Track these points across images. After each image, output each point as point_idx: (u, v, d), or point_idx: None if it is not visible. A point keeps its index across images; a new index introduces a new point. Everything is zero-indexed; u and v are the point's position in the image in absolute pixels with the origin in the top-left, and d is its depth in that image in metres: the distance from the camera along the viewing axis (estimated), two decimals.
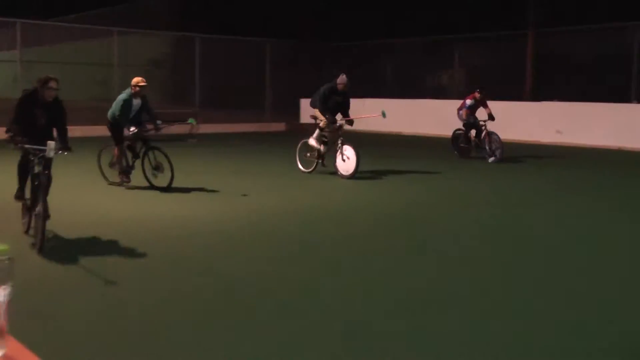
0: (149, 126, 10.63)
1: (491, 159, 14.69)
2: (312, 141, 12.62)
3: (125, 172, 10.84)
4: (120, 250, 6.84)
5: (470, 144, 15.44)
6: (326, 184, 11.75)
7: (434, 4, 26.55)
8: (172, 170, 10.30)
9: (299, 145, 13.08)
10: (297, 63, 26.31)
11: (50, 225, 7.01)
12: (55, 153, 6.85)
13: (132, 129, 10.43)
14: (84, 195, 10.25)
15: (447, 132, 21.08)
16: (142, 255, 6.67)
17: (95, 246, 7.03)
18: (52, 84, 7.25)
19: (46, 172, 6.97)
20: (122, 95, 10.56)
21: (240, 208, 9.31)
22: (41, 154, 6.88)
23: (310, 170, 12.74)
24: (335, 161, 12.38)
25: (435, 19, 25.80)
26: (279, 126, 25.21)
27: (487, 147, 14.86)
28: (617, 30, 19.58)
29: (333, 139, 12.44)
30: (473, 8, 25.32)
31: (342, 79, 12.63)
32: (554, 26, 20.65)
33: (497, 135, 14.83)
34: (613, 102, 18.42)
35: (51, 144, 6.78)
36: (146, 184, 10.62)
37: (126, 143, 10.79)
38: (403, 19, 27.46)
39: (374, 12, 28.55)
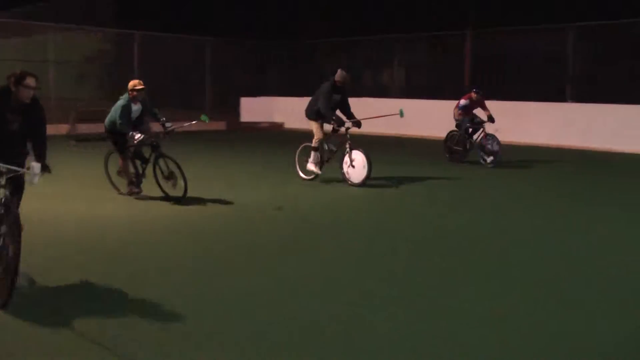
0: (151, 126, 9.77)
1: (490, 160, 13.84)
2: (310, 167, 11.60)
3: (135, 182, 9.95)
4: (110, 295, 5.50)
5: (465, 147, 14.45)
6: (332, 192, 10.98)
7: (374, 2, 26.68)
8: (184, 180, 9.41)
9: (299, 149, 12.12)
10: (237, 62, 26.10)
11: (25, 258, 5.59)
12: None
13: (137, 136, 9.38)
14: (67, 205, 9.44)
15: (389, 131, 21.24)
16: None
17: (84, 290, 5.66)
18: (30, 82, 5.72)
19: (16, 197, 5.55)
20: (120, 102, 9.60)
21: (277, 226, 8.69)
22: (11, 175, 5.41)
23: (312, 177, 11.79)
24: (341, 167, 11.55)
25: (375, 17, 25.92)
26: (220, 125, 24.96)
27: (486, 150, 13.92)
28: (553, 31, 20.00)
29: (340, 142, 11.55)
30: (413, 7, 25.52)
31: (340, 74, 11.55)
32: (493, 26, 20.97)
33: (496, 138, 13.93)
34: (550, 102, 18.85)
35: (36, 166, 5.35)
36: (160, 193, 9.79)
37: (131, 150, 9.80)
38: (343, 17, 27.51)
39: (314, 12, 28.52)
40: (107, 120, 9.81)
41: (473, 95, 14.31)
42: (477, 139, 14.29)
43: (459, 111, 14.27)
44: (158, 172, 9.69)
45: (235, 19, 28.56)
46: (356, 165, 11.29)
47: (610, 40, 18.67)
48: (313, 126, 11.69)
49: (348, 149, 11.36)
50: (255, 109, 25.50)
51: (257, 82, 26.24)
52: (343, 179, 11.47)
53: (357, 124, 11.47)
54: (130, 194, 9.93)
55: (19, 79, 5.68)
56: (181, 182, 9.41)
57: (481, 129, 14.15)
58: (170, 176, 9.52)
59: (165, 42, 24.37)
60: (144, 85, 9.67)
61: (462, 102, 14.30)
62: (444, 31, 22.11)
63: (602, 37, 18.90)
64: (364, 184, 11.17)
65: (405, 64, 24.50)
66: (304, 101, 12.31)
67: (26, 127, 5.83)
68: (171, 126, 9.84)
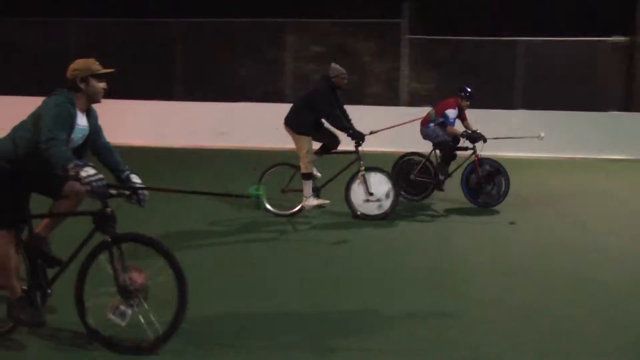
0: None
1: (498, 201, 9.76)
2: (312, 202, 8.54)
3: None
4: None
5: (445, 176, 10.07)
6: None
7: None
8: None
9: (267, 172, 8.90)
10: None
11: None
12: None
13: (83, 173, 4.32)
14: None
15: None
16: None
17: None
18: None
19: None
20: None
21: None
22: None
23: (290, 212, 8.80)
24: (348, 198, 8.76)
25: None
26: None
27: (482, 181, 9.77)
28: (55, 25, 18.93)
29: (352, 162, 8.82)
30: None
31: (337, 69, 8.54)
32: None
33: (496, 162, 9.82)
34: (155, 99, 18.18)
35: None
36: None
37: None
38: None
39: None
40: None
41: (462, 101, 10.09)
42: (465, 164, 10.06)
43: (450, 127, 9.98)
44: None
45: None
46: (379, 193, 8.71)
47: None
48: (301, 143, 8.58)
49: (364, 171, 8.69)
50: None
51: None
52: (354, 215, 8.79)
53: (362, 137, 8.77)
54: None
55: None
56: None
57: (472, 152, 9.94)
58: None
59: None
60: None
61: (452, 112, 9.93)
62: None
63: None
64: (386, 216, 8.70)
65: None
66: None
67: None
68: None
